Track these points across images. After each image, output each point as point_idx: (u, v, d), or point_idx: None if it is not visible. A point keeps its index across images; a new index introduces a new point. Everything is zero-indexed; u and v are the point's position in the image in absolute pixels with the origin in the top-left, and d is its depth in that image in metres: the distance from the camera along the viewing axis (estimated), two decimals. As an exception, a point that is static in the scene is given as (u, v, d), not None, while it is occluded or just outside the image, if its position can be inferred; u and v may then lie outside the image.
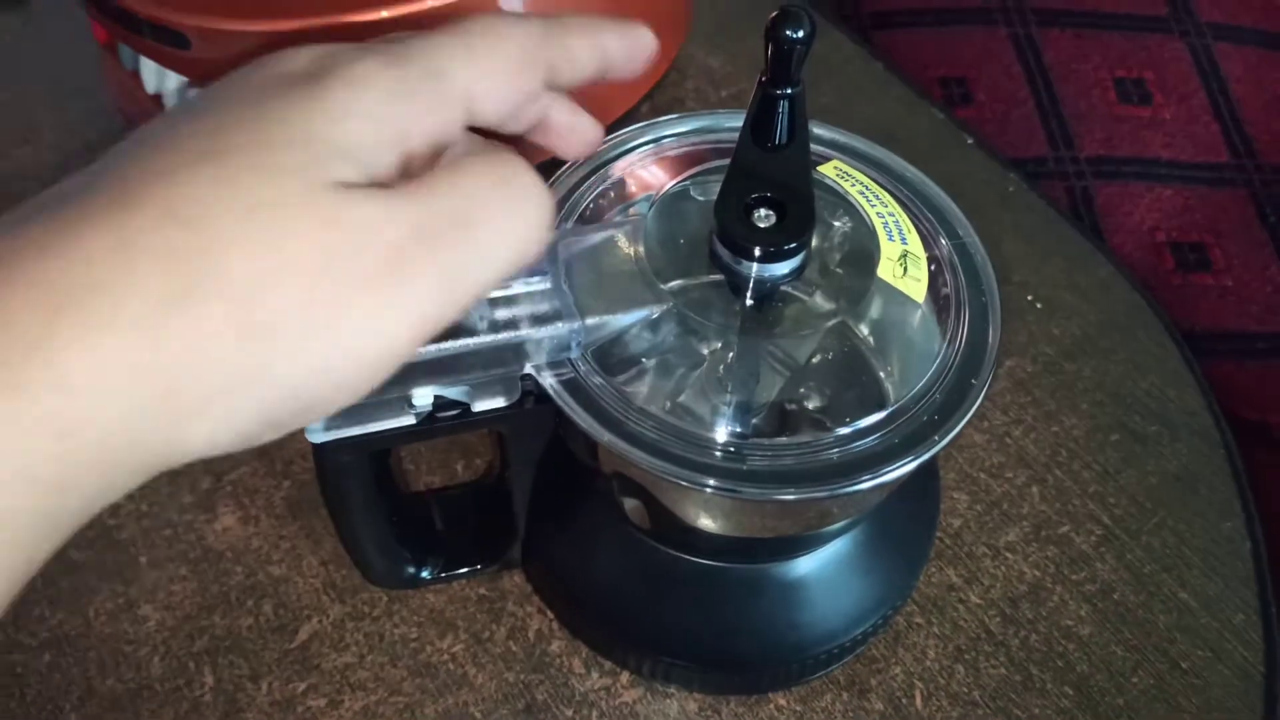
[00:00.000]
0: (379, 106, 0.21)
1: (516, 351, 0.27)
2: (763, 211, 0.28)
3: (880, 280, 0.29)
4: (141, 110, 0.47)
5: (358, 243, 0.19)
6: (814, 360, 0.30)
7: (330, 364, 0.19)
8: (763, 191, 0.28)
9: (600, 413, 0.27)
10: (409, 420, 0.28)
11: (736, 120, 0.30)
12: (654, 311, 0.28)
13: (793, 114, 0.28)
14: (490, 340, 0.27)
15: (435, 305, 0.20)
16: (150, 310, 0.18)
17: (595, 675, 0.37)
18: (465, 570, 0.37)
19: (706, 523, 0.32)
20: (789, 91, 0.28)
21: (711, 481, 0.27)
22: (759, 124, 0.29)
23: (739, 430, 0.29)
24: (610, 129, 0.51)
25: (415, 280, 0.20)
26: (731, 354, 0.30)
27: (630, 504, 0.33)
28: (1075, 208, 0.60)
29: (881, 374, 0.30)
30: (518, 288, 0.28)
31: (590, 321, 0.28)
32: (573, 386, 0.28)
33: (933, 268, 0.31)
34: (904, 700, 0.37)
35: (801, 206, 0.28)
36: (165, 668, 0.36)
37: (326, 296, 0.19)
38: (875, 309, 0.30)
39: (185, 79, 0.43)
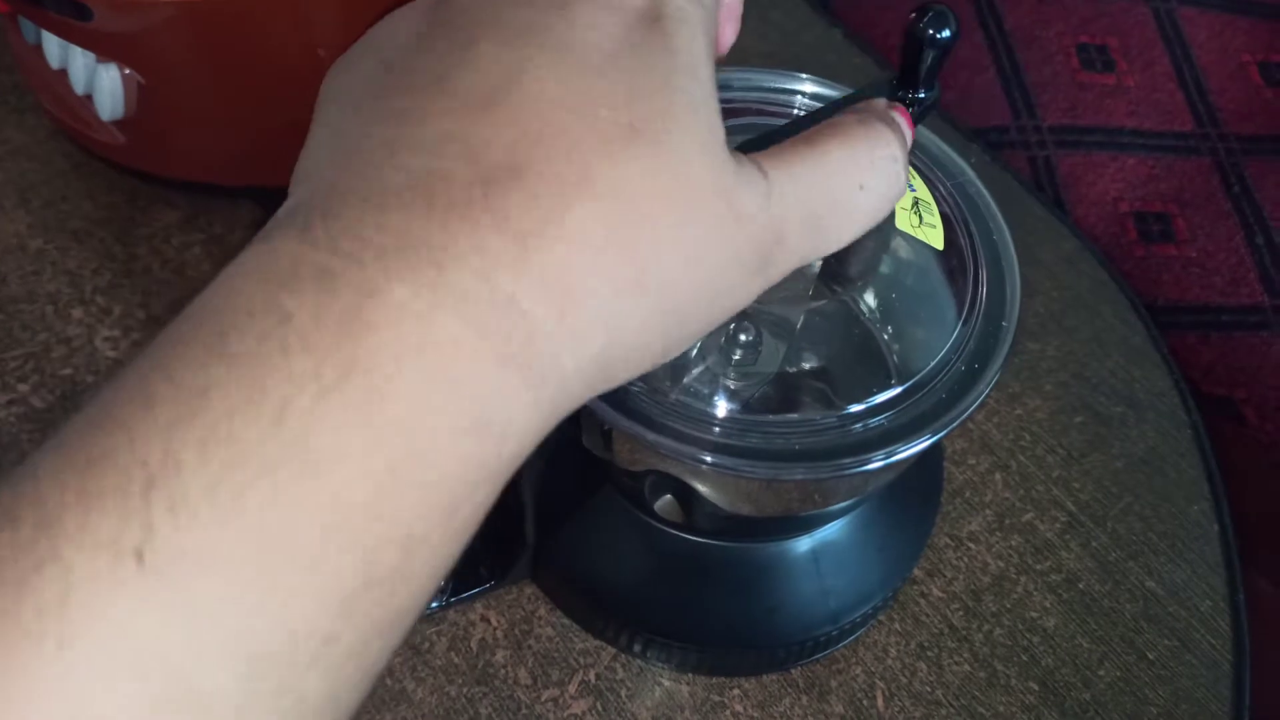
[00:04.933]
0: (709, 50, 0.21)
1: None
2: None
3: (898, 232, 0.28)
4: (47, 86, 0.44)
5: (751, 239, 0.20)
6: (818, 329, 0.29)
7: (701, 331, 0.21)
8: None
9: (616, 399, 0.26)
10: None
11: (739, 76, 0.30)
12: None
13: (915, 120, 0.27)
14: None
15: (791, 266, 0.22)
16: (611, 299, 0.18)
17: (542, 686, 0.35)
18: (477, 590, 0.35)
19: (729, 503, 0.30)
20: (921, 96, 0.26)
21: (712, 458, 0.25)
22: None
23: (748, 406, 0.27)
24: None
25: (784, 263, 0.21)
26: (734, 324, 0.28)
27: (658, 499, 0.31)
28: (1037, 178, 0.58)
29: (886, 345, 0.29)
30: None
31: None
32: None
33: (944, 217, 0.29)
34: (865, 702, 0.36)
35: None
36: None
37: (721, 286, 0.20)
38: (885, 270, 0.29)
39: (92, 54, 0.40)
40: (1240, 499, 0.43)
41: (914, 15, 0.25)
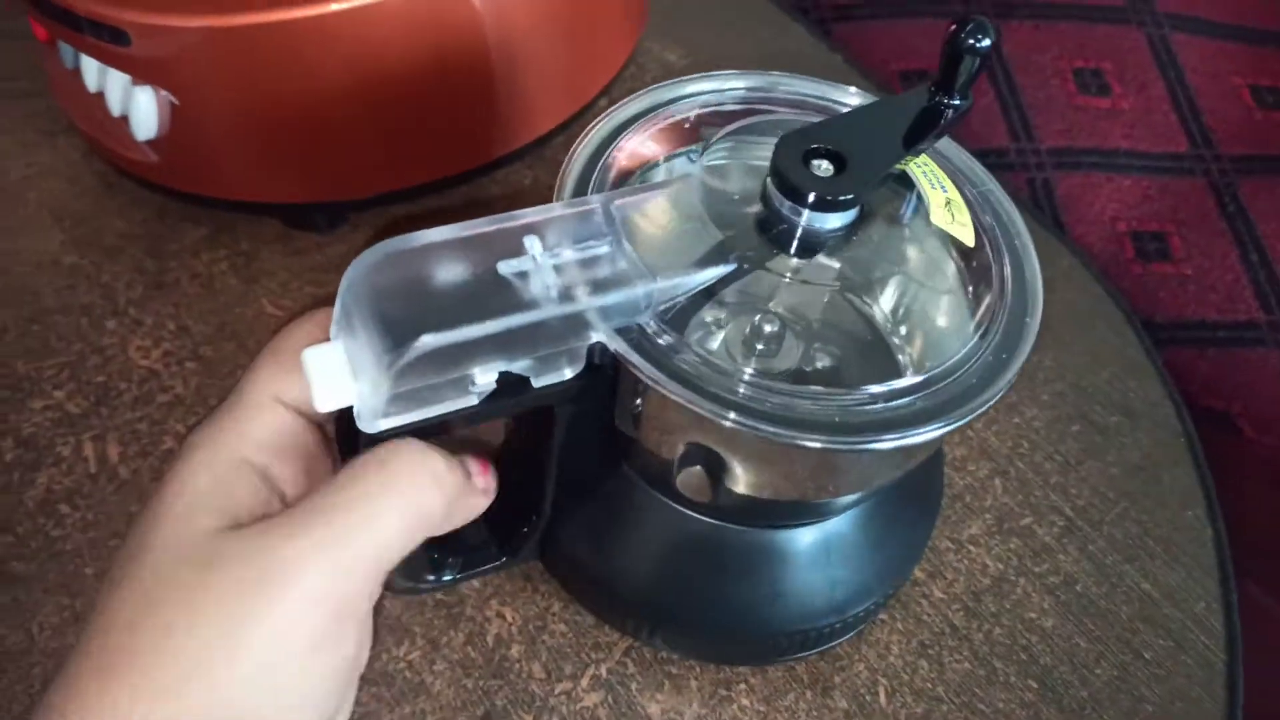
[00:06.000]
0: None
1: (583, 320, 0.26)
2: (820, 163, 0.28)
3: (933, 227, 0.30)
4: (82, 109, 0.46)
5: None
6: (834, 329, 0.30)
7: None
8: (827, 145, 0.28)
9: (672, 372, 0.26)
10: (472, 401, 0.26)
11: (786, 84, 0.31)
12: (726, 269, 0.27)
13: (948, 125, 0.29)
14: (558, 311, 0.25)
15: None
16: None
17: (555, 680, 0.36)
18: (487, 566, 0.35)
19: (756, 479, 0.31)
20: (957, 103, 0.28)
21: (771, 429, 0.26)
22: (913, 131, 0.29)
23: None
24: (566, 124, 0.50)
25: None
26: (759, 317, 0.29)
27: (686, 474, 0.32)
28: (1036, 199, 0.60)
29: (900, 346, 0.30)
30: (574, 254, 0.26)
31: (661, 283, 0.26)
32: (640, 349, 0.26)
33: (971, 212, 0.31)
34: (868, 697, 0.37)
35: (862, 160, 0.28)
36: (113, 682, 0.35)
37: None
38: (906, 273, 0.31)
39: (128, 77, 0.42)
40: (1236, 511, 0.44)
41: (954, 26, 0.27)
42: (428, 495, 0.25)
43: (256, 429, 0.26)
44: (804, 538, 0.34)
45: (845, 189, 0.28)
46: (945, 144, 0.33)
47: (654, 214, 0.28)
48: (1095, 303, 0.48)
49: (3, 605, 0.37)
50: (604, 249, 0.27)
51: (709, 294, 0.28)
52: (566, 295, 0.25)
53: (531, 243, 0.26)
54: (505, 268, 0.25)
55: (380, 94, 0.42)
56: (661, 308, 0.27)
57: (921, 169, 0.31)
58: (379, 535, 0.25)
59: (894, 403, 0.27)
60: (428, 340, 0.24)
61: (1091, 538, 0.41)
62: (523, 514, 0.34)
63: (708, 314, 0.31)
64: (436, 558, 0.34)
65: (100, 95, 0.44)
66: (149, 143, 0.44)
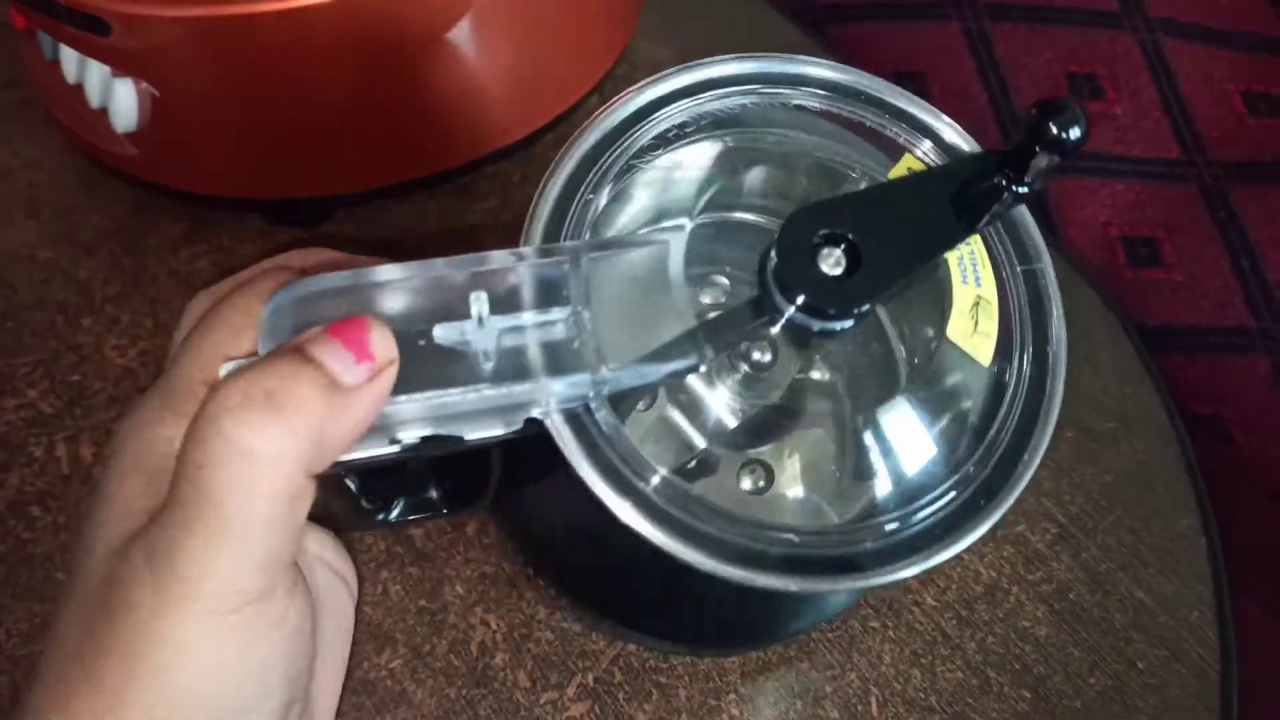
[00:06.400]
0: None
1: (525, 400, 0.23)
2: (832, 252, 0.23)
3: (948, 342, 0.25)
4: (61, 100, 0.45)
5: None
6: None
7: None
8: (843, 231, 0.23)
9: (606, 465, 0.23)
10: (394, 450, 0.24)
11: (786, 66, 0.26)
12: (689, 364, 0.24)
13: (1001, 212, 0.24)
14: (496, 394, 0.22)
15: None
16: None
17: (541, 689, 0.35)
18: (432, 514, 0.34)
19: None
20: (1023, 192, 0.23)
21: (709, 564, 0.22)
22: (960, 207, 0.24)
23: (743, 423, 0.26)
24: (556, 122, 0.50)
25: None
26: (752, 342, 0.26)
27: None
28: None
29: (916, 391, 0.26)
30: (529, 318, 0.23)
31: (614, 374, 0.23)
32: (579, 425, 0.23)
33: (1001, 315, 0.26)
34: (859, 707, 0.36)
35: (882, 252, 0.23)
36: (85, 690, 0.34)
37: None
38: (931, 378, 0.26)
39: (108, 68, 0.41)
40: (1227, 519, 0.44)
41: (1036, 109, 0.21)
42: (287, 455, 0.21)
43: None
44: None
45: (856, 297, 0.23)
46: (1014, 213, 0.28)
47: (627, 275, 0.24)
48: (1090, 309, 0.48)
49: (-29, 610, 0.36)
50: (560, 317, 0.23)
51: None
52: (507, 374, 0.23)
53: (479, 300, 0.23)
54: (443, 333, 0.22)
55: (365, 88, 0.41)
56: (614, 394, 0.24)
57: (959, 249, 0.26)
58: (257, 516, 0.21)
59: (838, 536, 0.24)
60: None
61: (1085, 545, 0.41)
62: (472, 466, 0.32)
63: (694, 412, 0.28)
64: (384, 495, 0.32)
65: (79, 87, 0.43)
66: (128, 135, 0.43)
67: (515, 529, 0.35)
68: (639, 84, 0.28)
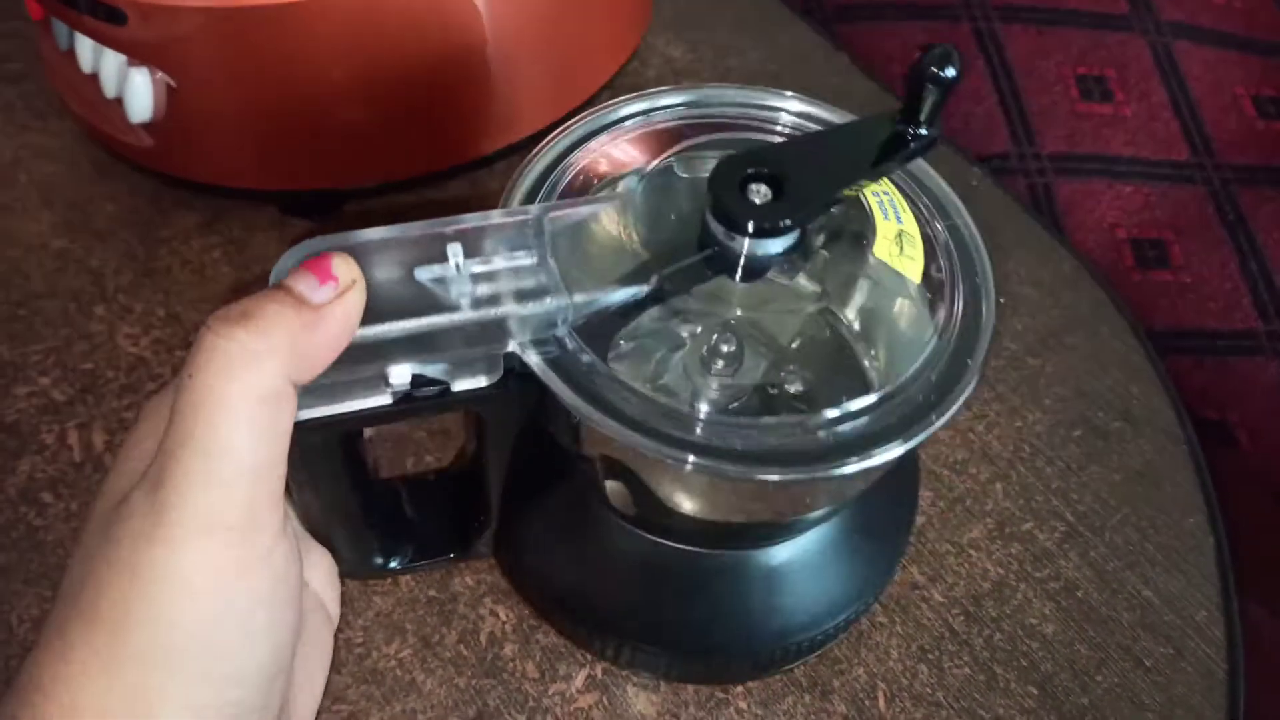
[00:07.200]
0: None
1: (499, 328, 0.26)
2: (758, 187, 0.27)
3: (876, 260, 0.29)
4: (76, 90, 0.45)
5: None
6: (800, 344, 0.29)
7: None
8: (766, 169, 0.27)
9: (587, 391, 0.26)
10: (385, 399, 0.27)
11: (728, 93, 0.31)
12: (643, 290, 0.28)
13: (911, 155, 0.28)
14: (472, 316, 0.26)
15: None
16: None
17: (549, 680, 0.35)
18: (436, 559, 0.35)
19: (689, 505, 0.30)
20: (923, 133, 0.27)
21: (693, 458, 0.25)
22: (880, 158, 0.28)
23: (722, 411, 0.28)
24: (568, 117, 0.50)
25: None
26: (716, 334, 0.29)
27: (612, 486, 0.32)
28: (1036, 204, 0.59)
29: (868, 359, 0.29)
30: (500, 263, 0.27)
31: (578, 298, 0.27)
32: (558, 365, 0.27)
33: (927, 249, 0.30)
34: (867, 702, 0.36)
35: (803, 185, 0.27)
36: (95, 675, 0.35)
37: None
38: (866, 290, 0.30)
39: (124, 58, 0.41)
40: (1234, 523, 0.44)
41: (920, 54, 0.26)
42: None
43: None
44: (768, 557, 0.33)
45: (779, 215, 0.27)
46: (918, 164, 0.32)
47: (588, 229, 0.29)
48: (1097, 307, 0.48)
49: (-17, 595, 0.36)
50: (528, 261, 0.27)
51: (637, 310, 0.28)
52: (481, 302, 0.26)
53: (455, 250, 0.26)
54: (423, 274, 0.26)
55: (380, 81, 0.41)
56: (580, 322, 0.27)
57: (880, 197, 0.30)
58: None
59: (826, 431, 0.26)
60: None
61: (1093, 543, 0.41)
62: (477, 512, 0.34)
63: (679, 327, 0.30)
64: (388, 544, 0.34)
65: (95, 77, 0.43)
66: (144, 126, 0.43)
67: (522, 581, 0.36)
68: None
